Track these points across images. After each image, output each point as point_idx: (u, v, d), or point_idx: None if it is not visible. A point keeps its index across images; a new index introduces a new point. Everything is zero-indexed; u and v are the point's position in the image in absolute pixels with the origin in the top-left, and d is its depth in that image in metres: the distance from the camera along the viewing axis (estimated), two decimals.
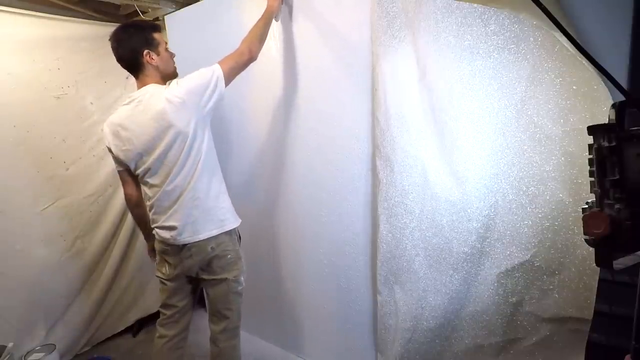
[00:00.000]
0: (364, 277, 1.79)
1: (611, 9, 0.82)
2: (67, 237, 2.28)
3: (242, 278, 1.62)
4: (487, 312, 1.43)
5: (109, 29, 2.36)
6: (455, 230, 1.43)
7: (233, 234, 1.60)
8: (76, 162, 2.29)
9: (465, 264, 1.43)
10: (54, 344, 2.10)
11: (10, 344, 1.83)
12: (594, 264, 0.68)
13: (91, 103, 2.33)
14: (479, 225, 1.38)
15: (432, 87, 1.40)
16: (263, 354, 2.21)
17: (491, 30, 1.25)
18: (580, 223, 0.66)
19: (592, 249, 0.67)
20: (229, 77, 1.54)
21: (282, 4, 1.75)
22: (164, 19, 2.39)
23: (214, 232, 1.53)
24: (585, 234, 0.66)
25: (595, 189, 0.67)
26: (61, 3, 2.19)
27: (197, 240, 1.52)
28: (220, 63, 1.52)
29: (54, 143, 2.20)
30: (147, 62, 1.49)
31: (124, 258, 2.48)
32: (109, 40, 1.51)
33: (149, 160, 1.50)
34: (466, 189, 1.38)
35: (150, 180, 1.53)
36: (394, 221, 1.55)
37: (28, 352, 2.04)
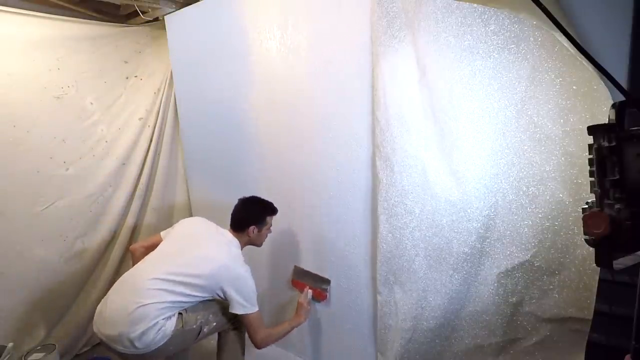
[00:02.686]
0: (364, 277, 1.79)
1: (611, 9, 0.81)
2: (67, 237, 2.28)
3: (203, 330, 1.62)
4: (487, 312, 1.43)
5: (109, 29, 2.39)
6: (455, 230, 1.43)
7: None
8: (76, 162, 2.29)
9: (465, 264, 1.43)
10: (54, 344, 2.09)
11: (10, 344, 1.82)
12: (594, 264, 0.68)
13: (91, 103, 2.33)
14: (479, 225, 1.38)
15: (432, 87, 1.40)
16: (263, 354, 2.21)
17: (491, 30, 1.26)
18: (580, 223, 0.66)
19: (592, 249, 0.67)
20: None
21: (308, 318, 1.86)
22: (164, 19, 2.40)
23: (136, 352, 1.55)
24: (585, 234, 0.66)
25: (595, 189, 0.67)
26: (61, 3, 2.19)
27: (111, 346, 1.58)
28: (253, 317, 1.59)
29: (54, 143, 2.20)
30: (247, 232, 1.73)
31: (124, 258, 2.48)
32: (238, 200, 1.78)
33: None
34: (466, 189, 1.38)
35: None
36: (394, 221, 1.55)
37: (28, 352, 2.04)
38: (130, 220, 2.48)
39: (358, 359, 1.91)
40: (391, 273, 1.61)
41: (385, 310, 1.66)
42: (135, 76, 2.50)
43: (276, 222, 1.84)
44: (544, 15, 0.67)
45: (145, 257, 1.67)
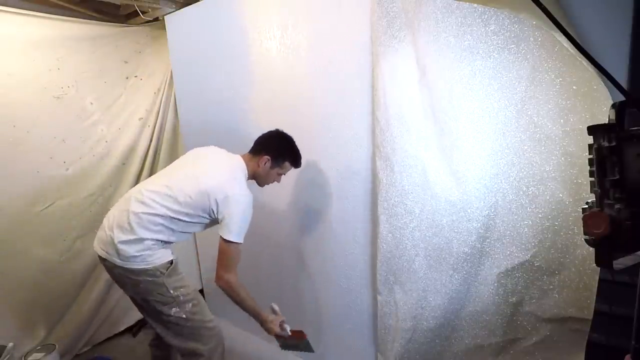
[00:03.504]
0: (364, 277, 1.79)
1: (611, 9, 0.81)
2: (67, 237, 2.28)
3: (170, 310, 1.55)
4: (487, 312, 1.43)
5: (109, 29, 2.39)
6: (455, 230, 1.43)
7: (148, 270, 1.54)
8: (76, 162, 2.29)
9: (465, 264, 1.43)
10: (54, 344, 2.09)
11: (10, 344, 1.83)
12: (594, 264, 0.68)
13: (91, 103, 2.33)
14: (479, 225, 1.38)
15: (432, 87, 1.40)
16: (263, 354, 2.21)
17: (491, 30, 1.25)
18: (580, 223, 0.66)
19: (592, 249, 0.67)
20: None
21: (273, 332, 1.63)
22: (164, 19, 2.40)
23: (117, 262, 1.54)
24: (585, 234, 0.66)
25: (595, 189, 0.67)
26: (61, 3, 2.19)
27: (101, 255, 1.60)
28: (231, 248, 1.51)
29: (54, 143, 2.20)
30: (259, 160, 1.64)
31: None
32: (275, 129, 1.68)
33: None
34: (466, 189, 1.38)
35: None
36: (394, 221, 1.55)
37: (28, 352, 2.04)
38: None
39: (358, 359, 1.91)
40: (391, 273, 1.61)
41: (385, 310, 1.66)
42: (135, 76, 2.50)
43: (276, 222, 1.84)
44: (544, 15, 0.67)
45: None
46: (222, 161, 1.65)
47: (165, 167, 2.41)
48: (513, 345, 1.41)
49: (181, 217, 1.52)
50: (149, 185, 1.59)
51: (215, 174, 1.56)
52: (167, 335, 1.59)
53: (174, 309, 1.53)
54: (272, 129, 1.96)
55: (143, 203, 1.51)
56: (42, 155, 2.16)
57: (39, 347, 2.08)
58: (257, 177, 1.69)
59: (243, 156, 1.68)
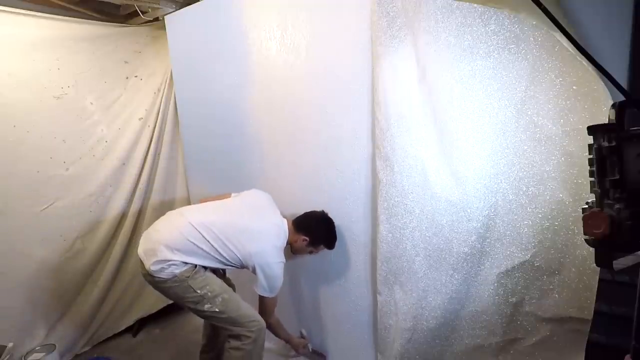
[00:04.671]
0: (364, 277, 1.79)
1: (611, 9, 0.82)
2: (67, 237, 2.28)
3: (204, 307, 1.64)
4: (487, 312, 1.43)
5: (108, 29, 2.39)
6: (455, 230, 1.43)
7: (175, 278, 1.63)
8: (76, 162, 2.29)
9: (465, 264, 1.43)
10: (54, 344, 2.09)
11: (10, 344, 1.82)
12: (594, 264, 0.68)
13: (91, 103, 2.33)
14: (479, 225, 1.38)
15: (432, 87, 1.40)
16: (265, 352, 2.21)
17: (491, 30, 1.25)
18: (580, 223, 0.66)
19: (592, 249, 0.67)
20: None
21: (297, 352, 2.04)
22: (164, 19, 2.40)
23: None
24: (585, 234, 0.66)
25: (595, 189, 0.67)
26: (61, 3, 2.19)
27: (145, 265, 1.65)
28: (268, 300, 1.72)
29: (54, 143, 2.20)
30: (298, 236, 1.76)
31: (124, 258, 2.48)
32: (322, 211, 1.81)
33: None
34: (466, 189, 1.38)
35: None
36: (394, 221, 1.55)
37: (28, 352, 2.04)
38: (130, 221, 2.47)
39: (358, 359, 1.91)
40: (391, 273, 1.61)
41: (385, 310, 1.66)
42: (135, 76, 2.50)
43: None
44: (544, 15, 0.67)
45: (208, 202, 1.88)
46: (273, 225, 1.74)
47: (165, 167, 2.41)
48: (513, 345, 1.41)
49: (218, 258, 1.63)
50: (201, 216, 1.68)
51: (263, 238, 1.68)
52: (214, 322, 1.73)
53: (206, 305, 1.61)
54: (272, 128, 1.98)
55: (196, 231, 1.61)
56: (42, 155, 2.16)
57: (38, 347, 2.08)
58: (293, 248, 1.81)
59: (289, 222, 1.78)
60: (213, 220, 1.65)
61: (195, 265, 1.61)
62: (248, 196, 1.86)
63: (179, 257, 1.57)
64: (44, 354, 2.02)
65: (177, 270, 1.57)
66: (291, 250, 1.82)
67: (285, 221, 1.76)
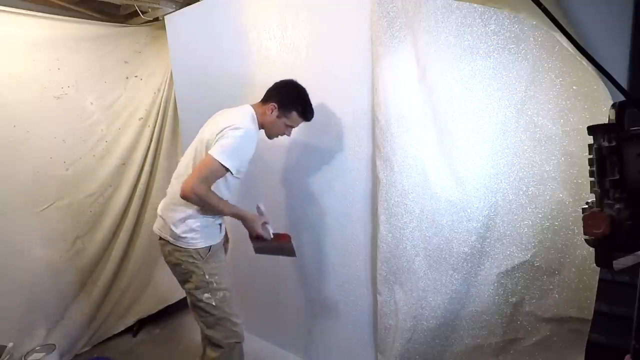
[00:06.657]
0: (364, 277, 1.79)
1: (611, 9, 0.82)
2: (67, 237, 2.28)
3: (202, 295, 1.58)
4: (487, 312, 1.43)
5: (109, 29, 2.39)
6: (455, 230, 1.43)
7: (190, 251, 1.58)
8: (76, 162, 2.29)
9: (465, 264, 1.43)
10: (54, 344, 2.10)
11: (10, 344, 1.82)
12: (594, 264, 0.68)
13: (91, 103, 2.33)
14: (479, 225, 1.38)
15: (432, 87, 1.40)
16: (262, 354, 2.21)
17: (491, 30, 1.25)
18: (580, 223, 0.66)
19: (592, 249, 0.67)
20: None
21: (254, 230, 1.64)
22: (164, 19, 2.40)
23: (170, 240, 1.60)
24: (585, 234, 0.66)
25: (595, 189, 0.67)
26: (61, 3, 2.19)
27: (158, 235, 1.65)
28: (210, 161, 1.49)
29: (54, 143, 2.20)
30: (266, 107, 1.61)
31: (124, 258, 2.48)
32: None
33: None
34: (466, 189, 1.38)
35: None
36: (394, 221, 1.55)
37: (28, 352, 2.04)
38: (130, 220, 2.48)
39: (358, 359, 1.91)
40: (391, 273, 1.61)
41: (385, 310, 1.66)
42: (135, 76, 2.50)
43: (276, 222, 1.84)
44: (544, 15, 0.67)
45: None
46: (232, 110, 1.64)
47: (165, 166, 2.41)
48: (513, 345, 1.41)
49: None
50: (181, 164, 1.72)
51: (228, 116, 1.59)
52: (200, 323, 1.66)
53: (205, 294, 1.58)
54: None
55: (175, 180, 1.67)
56: (42, 155, 2.16)
57: (38, 347, 2.08)
58: (265, 127, 1.64)
59: (253, 105, 1.64)
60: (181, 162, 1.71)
61: (210, 247, 1.60)
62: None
63: (187, 208, 1.55)
64: (44, 354, 2.03)
65: (195, 225, 1.55)
66: (266, 134, 1.66)
67: (246, 104, 1.64)
